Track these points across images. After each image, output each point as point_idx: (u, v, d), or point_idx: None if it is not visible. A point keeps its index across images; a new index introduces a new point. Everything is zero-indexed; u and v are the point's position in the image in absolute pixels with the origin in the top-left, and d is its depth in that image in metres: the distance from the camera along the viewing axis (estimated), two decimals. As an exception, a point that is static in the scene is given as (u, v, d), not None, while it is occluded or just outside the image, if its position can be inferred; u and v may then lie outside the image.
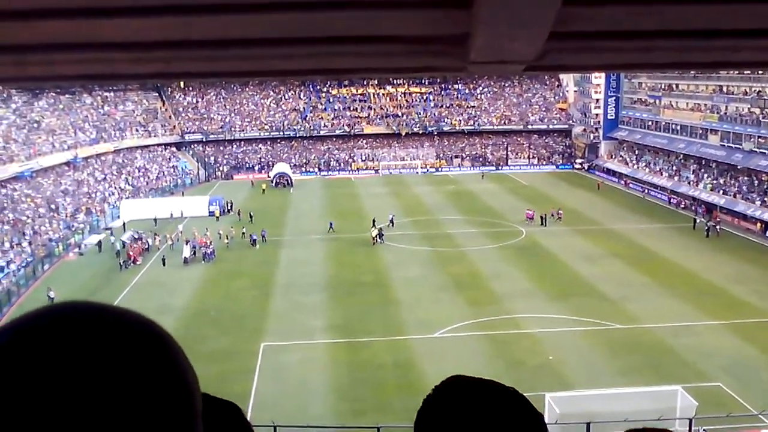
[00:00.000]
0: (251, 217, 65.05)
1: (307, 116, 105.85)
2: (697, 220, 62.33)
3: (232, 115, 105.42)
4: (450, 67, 1.85)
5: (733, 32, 1.64)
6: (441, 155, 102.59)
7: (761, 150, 66.21)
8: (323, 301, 42.94)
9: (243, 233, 58.19)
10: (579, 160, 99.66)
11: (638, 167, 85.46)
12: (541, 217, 62.29)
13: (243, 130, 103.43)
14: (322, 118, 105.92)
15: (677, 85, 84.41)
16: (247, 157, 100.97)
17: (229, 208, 71.57)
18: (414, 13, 1.47)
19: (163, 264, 51.56)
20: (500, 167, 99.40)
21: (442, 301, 42.08)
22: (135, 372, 0.77)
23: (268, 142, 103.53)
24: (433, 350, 34.59)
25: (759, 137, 66.75)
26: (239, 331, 38.18)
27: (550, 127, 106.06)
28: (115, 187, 79.17)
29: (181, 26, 1.50)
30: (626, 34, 1.65)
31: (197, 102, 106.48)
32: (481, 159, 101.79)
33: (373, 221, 60.27)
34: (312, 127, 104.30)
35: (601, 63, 2.06)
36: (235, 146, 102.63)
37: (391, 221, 62.42)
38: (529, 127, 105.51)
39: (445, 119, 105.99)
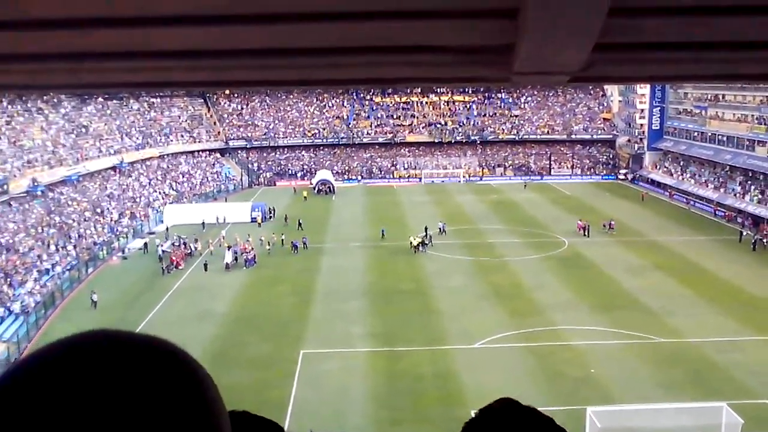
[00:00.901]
0: (300, 224, 65.02)
1: (350, 124, 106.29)
2: (744, 233, 61.16)
3: (276, 121, 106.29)
4: (495, 77, 1.86)
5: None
6: (484, 164, 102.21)
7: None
8: (363, 309, 42.93)
9: (282, 240, 58.45)
10: (623, 171, 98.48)
11: (683, 178, 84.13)
12: (584, 228, 61.55)
13: (286, 137, 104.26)
14: (365, 125, 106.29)
15: (724, 96, 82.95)
16: (289, 164, 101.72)
17: (271, 214, 72.00)
18: (462, 23, 1.48)
19: (205, 269, 52.06)
20: (543, 177, 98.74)
21: (483, 311, 41.78)
22: (164, 407, 0.74)
23: (311, 149, 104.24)
24: (473, 361, 34.35)
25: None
26: (279, 337, 38.33)
27: (594, 137, 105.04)
28: (160, 192, 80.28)
29: (231, 36, 1.52)
30: (673, 45, 1.63)
31: (242, 109, 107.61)
32: (524, 168, 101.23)
33: (425, 229, 60.16)
34: (355, 135, 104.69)
35: (646, 74, 2.04)
36: (278, 153, 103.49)
37: (442, 229, 62.30)
38: (573, 136, 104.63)
39: (489, 128, 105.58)
